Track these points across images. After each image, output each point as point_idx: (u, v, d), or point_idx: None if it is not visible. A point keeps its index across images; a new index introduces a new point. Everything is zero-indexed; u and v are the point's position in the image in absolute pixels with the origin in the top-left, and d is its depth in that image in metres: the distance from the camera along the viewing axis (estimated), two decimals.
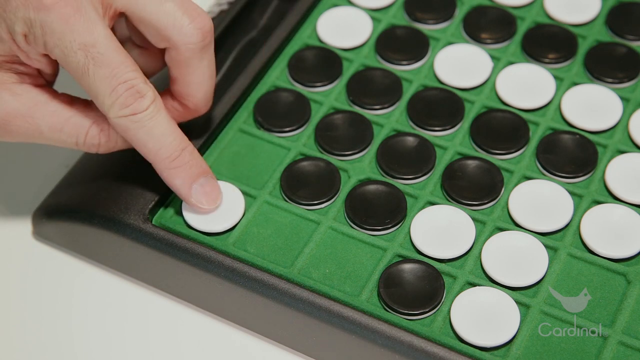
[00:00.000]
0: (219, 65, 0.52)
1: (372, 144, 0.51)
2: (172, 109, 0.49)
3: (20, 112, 0.45)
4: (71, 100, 0.47)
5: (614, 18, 0.57)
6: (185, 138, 0.46)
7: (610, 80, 0.54)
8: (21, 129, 0.46)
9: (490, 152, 0.51)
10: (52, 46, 0.43)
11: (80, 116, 0.46)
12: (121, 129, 0.45)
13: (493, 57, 0.55)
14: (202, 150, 0.51)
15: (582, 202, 0.49)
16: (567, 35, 0.56)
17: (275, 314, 0.46)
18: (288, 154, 0.51)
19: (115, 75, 0.44)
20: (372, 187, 0.49)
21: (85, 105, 0.47)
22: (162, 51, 0.48)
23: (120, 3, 0.45)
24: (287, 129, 0.52)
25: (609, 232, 0.47)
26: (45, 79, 0.47)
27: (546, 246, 0.47)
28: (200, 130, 0.51)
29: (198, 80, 0.47)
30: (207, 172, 0.48)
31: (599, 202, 0.49)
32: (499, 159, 0.50)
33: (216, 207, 0.48)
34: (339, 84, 0.54)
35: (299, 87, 0.54)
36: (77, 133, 0.46)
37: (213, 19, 0.57)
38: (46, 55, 0.45)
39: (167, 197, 0.49)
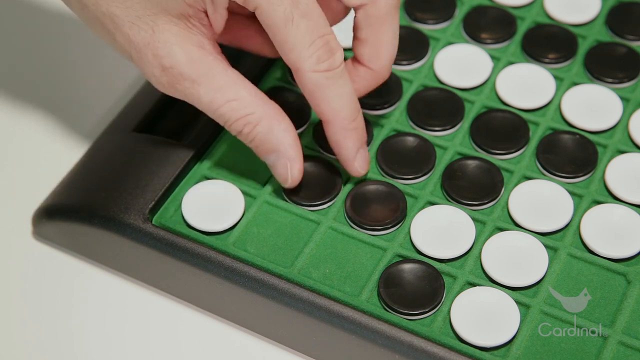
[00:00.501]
0: None
1: (372, 144, 0.51)
2: (358, 77, 0.48)
3: (190, 77, 0.45)
4: (240, 80, 0.46)
5: (614, 18, 0.57)
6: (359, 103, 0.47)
7: (610, 80, 0.54)
8: (186, 90, 0.46)
9: (490, 152, 0.51)
10: None
11: (240, 102, 0.46)
12: (312, 83, 0.45)
13: (493, 57, 0.55)
14: (202, 150, 0.51)
15: (582, 202, 0.49)
16: (567, 35, 0.56)
17: (275, 314, 0.46)
18: None
19: (317, 28, 0.44)
20: (372, 187, 0.49)
21: (252, 89, 0.46)
22: (341, 8, 0.48)
23: (258, 12, 0.44)
24: None
25: (609, 232, 0.47)
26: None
27: (546, 246, 0.47)
28: (201, 130, 0.51)
29: (389, 38, 0.47)
30: (366, 141, 0.48)
31: (599, 202, 0.49)
32: (499, 159, 0.50)
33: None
34: None
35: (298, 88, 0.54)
36: (229, 117, 0.46)
37: None
38: (228, 10, 0.45)
39: (167, 197, 0.49)
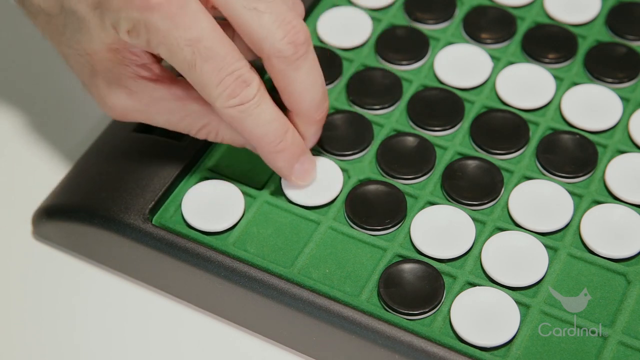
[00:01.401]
0: None
1: (372, 144, 0.51)
2: (294, 122, 0.48)
3: (136, 109, 0.46)
4: (186, 95, 0.47)
5: (614, 18, 0.57)
6: (287, 121, 0.47)
7: (610, 80, 0.54)
8: (142, 119, 0.47)
9: (490, 152, 0.51)
10: (156, 44, 0.43)
11: (194, 116, 0.47)
12: (228, 118, 0.45)
13: (493, 57, 0.55)
14: (202, 150, 0.51)
15: (582, 202, 0.49)
16: (567, 35, 0.56)
17: (275, 314, 0.46)
18: None
19: (223, 68, 0.44)
20: (372, 187, 0.49)
21: (200, 101, 0.47)
22: None
23: (217, 3, 0.44)
24: None
25: (609, 232, 0.47)
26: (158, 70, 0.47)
27: (546, 246, 0.47)
28: None
29: (298, 90, 0.46)
30: (305, 151, 0.48)
31: (599, 202, 0.49)
32: (499, 159, 0.50)
33: (312, 181, 0.49)
34: (339, 84, 0.54)
35: None
36: (189, 129, 0.48)
37: None
38: (149, 53, 0.45)
39: (167, 197, 0.49)
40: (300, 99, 0.46)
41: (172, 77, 0.47)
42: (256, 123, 0.45)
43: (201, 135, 0.48)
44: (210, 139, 0.48)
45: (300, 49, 0.45)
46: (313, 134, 0.48)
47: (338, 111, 0.52)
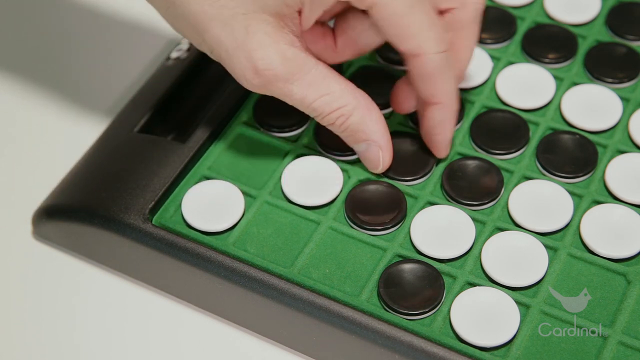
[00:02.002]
0: (219, 65, 0.51)
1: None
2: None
3: (281, 77, 0.45)
4: (330, 74, 0.46)
5: (614, 18, 0.57)
6: None
7: (610, 80, 0.54)
8: (279, 90, 0.46)
9: (490, 152, 0.51)
10: None
11: (332, 96, 0.46)
12: (433, 65, 0.45)
13: (493, 57, 0.55)
14: (202, 150, 0.51)
15: (582, 202, 0.49)
16: (567, 35, 0.56)
17: (275, 314, 0.46)
18: (288, 154, 0.51)
19: (431, 9, 0.45)
20: (372, 187, 0.49)
21: (342, 82, 0.47)
22: None
23: None
24: (288, 129, 0.52)
25: (609, 232, 0.47)
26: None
27: (546, 246, 0.47)
28: (201, 131, 0.51)
29: (471, 43, 0.47)
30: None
31: (599, 202, 0.49)
32: (499, 159, 0.50)
33: None
34: None
35: None
36: (322, 111, 0.47)
37: None
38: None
39: (167, 197, 0.49)
40: (449, 94, 0.47)
41: (317, 59, 0.47)
42: (452, 75, 0.46)
43: (330, 119, 0.47)
44: (337, 124, 0.47)
45: (448, 47, 0.46)
46: (452, 126, 0.49)
47: None
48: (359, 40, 0.49)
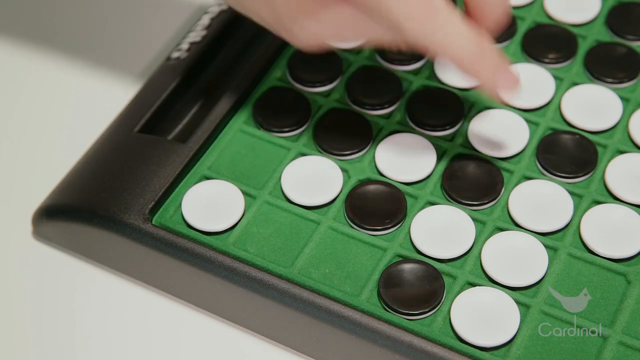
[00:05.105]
0: (219, 66, 0.52)
1: (372, 144, 0.51)
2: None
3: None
4: None
5: (614, 18, 0.57)
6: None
7: (610, 80, 0.54)
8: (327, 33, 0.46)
9: (490, 152, 0.51)
10: None
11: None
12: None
13: None
14: (202, 150, 0.51)
15: (582, 202, 0.49)
16: (567, 35, 0.56)
17: (275, 314, 0.46)
18: (288, 154, 0.51)
19: None
20: (372, 187, 0.49)
21: None
22: None
23: None
24: (287, 129, 0.52)
25: (609, 232, 0.47)
26: None
27: (546, 246, 0.47)
28: (201, 130, 0.51)
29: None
30: (503, 56, 0.47)
31: (599, 202, 0.49)
32: (499, 159, 0.50)
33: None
34: (339, 84, 0.54)
35: (299, 87, 0.54)
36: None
37: (212, 19, 0.57)
38: None
39: (167, 197, 0.49)
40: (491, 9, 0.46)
41: None
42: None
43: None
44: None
45: None
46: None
47: (338, 111, 0.52)
48: None
